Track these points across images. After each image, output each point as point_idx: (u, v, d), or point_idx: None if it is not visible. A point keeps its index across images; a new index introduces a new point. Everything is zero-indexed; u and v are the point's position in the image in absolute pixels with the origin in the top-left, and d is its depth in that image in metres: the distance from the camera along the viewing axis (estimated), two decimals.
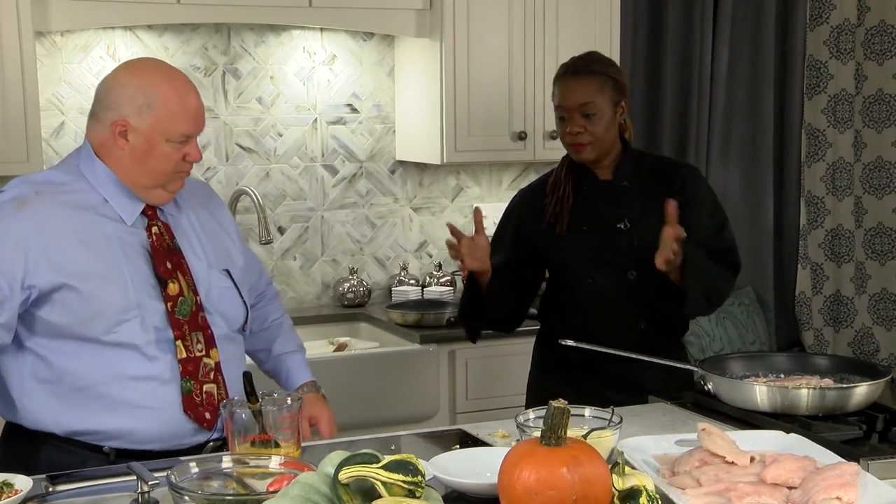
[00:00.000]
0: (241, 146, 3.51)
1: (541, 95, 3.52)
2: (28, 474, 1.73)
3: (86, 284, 1.93)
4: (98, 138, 2.01)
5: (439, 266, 3.77)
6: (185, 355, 1.99)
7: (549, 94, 3.53)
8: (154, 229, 2.03)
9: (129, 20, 3.16)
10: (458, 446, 1.95)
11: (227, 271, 2.11)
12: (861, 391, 2.03)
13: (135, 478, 1.65)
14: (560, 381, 2.59)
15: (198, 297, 2.03)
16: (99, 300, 1.93)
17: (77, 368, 1.95)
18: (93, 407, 1.94)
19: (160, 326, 1.98)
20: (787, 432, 1.87)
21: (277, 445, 1.78)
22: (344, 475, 1.42)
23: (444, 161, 3.46)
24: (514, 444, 1.65)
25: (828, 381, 2.13)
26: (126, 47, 3.35)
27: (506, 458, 1.49)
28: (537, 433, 1.51)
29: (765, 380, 2.16)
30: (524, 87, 3.50)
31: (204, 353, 2.02)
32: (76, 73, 3.31)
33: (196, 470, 1.59)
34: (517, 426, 1.78)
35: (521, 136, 3.51)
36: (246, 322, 2.14)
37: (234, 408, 1.81)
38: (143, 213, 2.03)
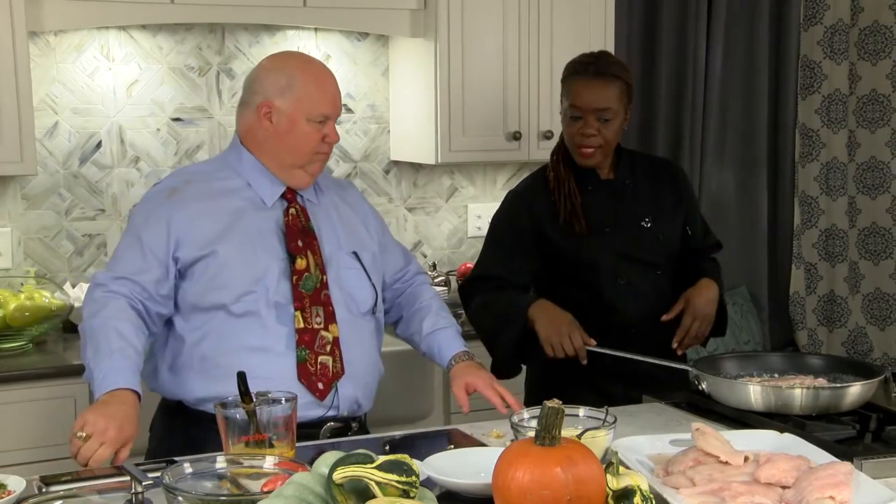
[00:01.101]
0: None
1: (535, 95, 3.52)
2: (167, 448, 1.91)
3: (222, 255, 2.09)
4: (244, 125, 2.19)
5: (434, 266, 3.77)
6: (302, 326, 2.11)
7: (543, 93, 3.55)
8: (291, 211, 2.18)
9: (123, 20, 3.16)
10: (452, 446, 1.95)
11: (356, 254, 2.22)
12: (854, 391, 2.04)
13: (129, 478, 1.65)
14: (578, 385, 2.54)
15: (324, 276, 2.16)
16: (231, 269, 2.09)
17: (204, 339, 2.10)
18: (217, 376, 2.05)
19: (283, 301, 2.11)
20: (781, 432, 1.87)
21: (272, 446, 1.78)
22: (338, 475, 1.42)
23: (439, 161, 3.46)
24: (508, 444, 1.65)
25: (822, 381, 2.13)
26: (120, 47, 3.35)
27: (500, 458, 1.49)
28: (532, 433, 1.51)
29: (759, 379, 2.17)
30: (518, 87, 3.50)
31: (323, 326, 2.13)
32: (70, 72, 3.31)
33: (190, 470, 1.59)
34: (511, 426, 1.78)
35: (516, 136, 3.52)
36: (375, 306, 2.24)
37: (228, 408, 1.80)
38: (283, 196, 2.19)
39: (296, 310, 2.11)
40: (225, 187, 2.17)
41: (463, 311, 2.73)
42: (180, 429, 2.12)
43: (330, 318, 2.14)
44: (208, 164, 2.30)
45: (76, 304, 3.15)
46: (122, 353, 1.97)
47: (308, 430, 2.07)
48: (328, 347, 2.13)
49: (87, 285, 3.22)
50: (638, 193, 2.60)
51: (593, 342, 2.43)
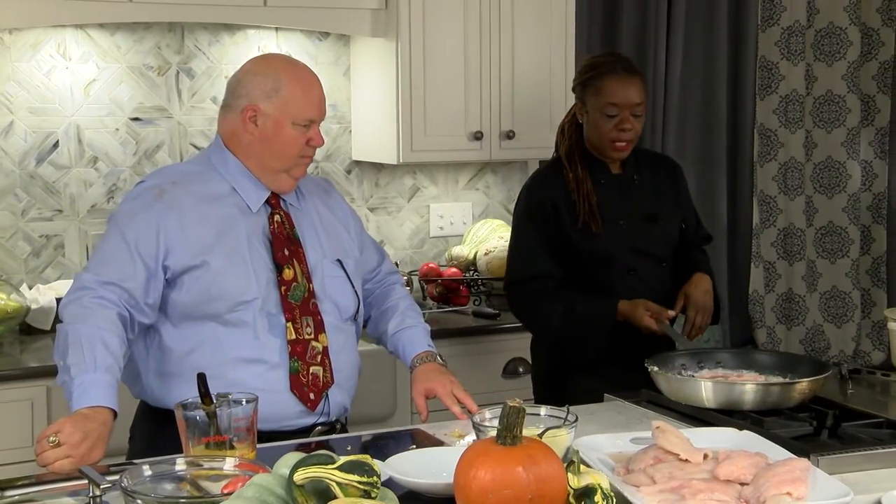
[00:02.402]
0: (195, 146, 3.48)
1: (497, 95, 3.53)
2: (154, 453, 1.83)
3: (214, 265, 2.07)
4: (228, 129, 2.16)
5: (396, 265, 3.76)
6: (294, 337, 2.10)
7: (504, 93, 3.56)
8: (276, 218, 2.16)
9: (80, 18, 3.12)
10: (415, 446, 1.95)
11: (340, 262, 2.21)
12: (803, 386, 2.06)
13: (87, 481, 1.63)
14: (581, 376, 2.63)
15: (311, 285, 2.15)
16: (224, 280, 2.07)
17: (196, 350, 2.07)
18: (212, 387, 1.96)
19: (273, 311, 2.10)
20: (740, 429, 1.89)
21: (232, 447, 1.77)
22: (299, 476, 1.42)
23: (401, 161, 3.45)
24: (470, 443, 1.65)
25: (773, 377, 2.16)
26: (77, 46, 3.31)
27: (462, 458, 1.49)
28: (493, 433, 1.52)
29: (710, 375, 2.20)
30: (480, 86, 3.51)
31: (313, 336, 2.12)
32: (25, 71, 3.26)
33: (149, 472, 1.57)
34: (473, 426, 1.78)
35: (478, 136, 3.52)
36: (357, 312, 2.24)
37: (188, 409, 1.79)
38: (267, 202, 2.17)
39: (287, 321, 2.10)
40: (212, 192, 2.14)
41: (517, 313, 2.80)
42: (168, 434, 2.04)
43: (319, 327, 2.14)
44: (192, 165, 2.25)
45: (33, 307, 3.11)
46: (109, 370, 1.92)
47: (299, 437, 2.08)
48: (319, 357, 2.13)
49: (44, 287, 3.21)
50: (644, 188, 2.71)
51: (671, 313, 2.59)
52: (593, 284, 2.64)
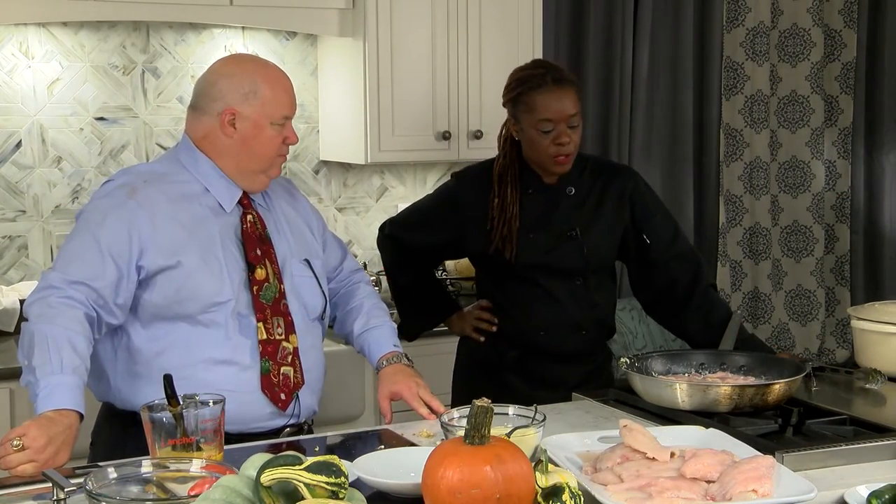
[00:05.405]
0: (161, 146, 3.45)
1: (464, 95, 3.53)
2: (119, 457, 1.80)
3: (186, 265, 2.05)
4: (201, 131, 2.13)
5: (364, 266, 3.76)
6: (265, 337, 2.09)
7: (472, 93, 3.57)
8: (249, 217, 2.16)
9: (43, 16, 3.09)
10: (383, 446, 1.94)
11: (308, 262, 2.21)
12: (779, 388, 2.07)
13: (51, 485, 1.61)
14: (485, 379, 2.61)
15: (282, 285, 2.14)
16: (197, 281, 2.05)
17: (166, 350, 2.05)
18: (183, 388, 1.94)
19: (245, 311, 2.09)
20: (706, 427, 1.90)
21: (199, 449, 1.76)
22: (266, 478, 1.41)
23: (369, 161, 3.45)
24: (438, 443, 1.65)
25: (748, 379, 2.17)
26: (40, 44, 3.27)
27: (430, 458, 1.49)
28: (461, 432, 1.52)
29: (685, 377, 2.20)
30: (448, 86, 3.51)
31: (284, 337, 2.12)
32: None
33: (114, 475, 1.56)
34: (441, 426, 1.78)
35: (446, 136, 3.52)
36: (324, 312, 2.24)
37: (154, 410, 1.78)
38: (239, 202, 2.16)
39: (258, 321, 2.09)
40: (184, 191, 2.11)
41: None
42: (134, 437, 2.01)
43: (290, 327, 2.13)
44: (160, 165, 2.19)
45: None
46: (76, 371, 1.90)
47: (269, 438, 2.08)
48: (289, 358, 2.12)
49: (7, 288, 3.17)
50: (575, 201, 2.55)
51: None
52: (500, 291, 2.60)
